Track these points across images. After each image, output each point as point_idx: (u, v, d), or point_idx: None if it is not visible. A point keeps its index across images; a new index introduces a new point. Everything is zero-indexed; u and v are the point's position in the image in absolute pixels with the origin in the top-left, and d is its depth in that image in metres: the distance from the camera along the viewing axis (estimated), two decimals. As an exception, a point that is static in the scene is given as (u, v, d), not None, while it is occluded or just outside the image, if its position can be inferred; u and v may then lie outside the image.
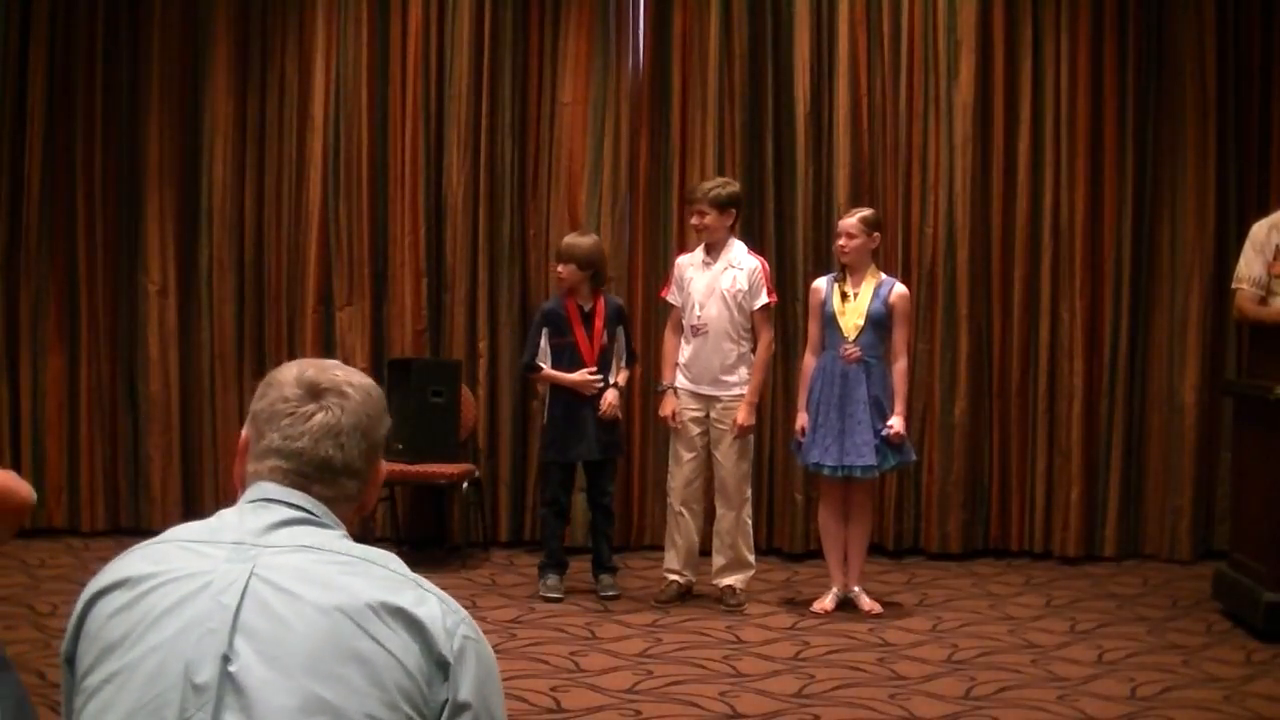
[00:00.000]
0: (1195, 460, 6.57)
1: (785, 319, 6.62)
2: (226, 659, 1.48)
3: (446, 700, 1.54)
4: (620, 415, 5.81)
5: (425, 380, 6.40)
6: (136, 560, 1.60)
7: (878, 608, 5.47)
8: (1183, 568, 6.41)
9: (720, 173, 6.62)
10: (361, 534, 5.49)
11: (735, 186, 5.72)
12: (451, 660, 1.55)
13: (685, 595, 5.66)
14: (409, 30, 6.74)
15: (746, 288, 5.54)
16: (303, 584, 1.53)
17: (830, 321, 5.45)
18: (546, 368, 5.74)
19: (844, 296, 5.44)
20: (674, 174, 6.71)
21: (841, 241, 5.45)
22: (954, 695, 4.29)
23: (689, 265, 5.67)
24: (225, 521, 1.62)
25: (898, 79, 6.63)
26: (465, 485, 6.35)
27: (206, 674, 1.47)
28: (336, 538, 1.63)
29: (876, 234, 5.52)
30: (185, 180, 6.85)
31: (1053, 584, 6.07)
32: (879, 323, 5.41)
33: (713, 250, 5.62)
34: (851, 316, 5.41)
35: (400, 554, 6.03)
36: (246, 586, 1.52)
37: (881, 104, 6.65)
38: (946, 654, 4.82)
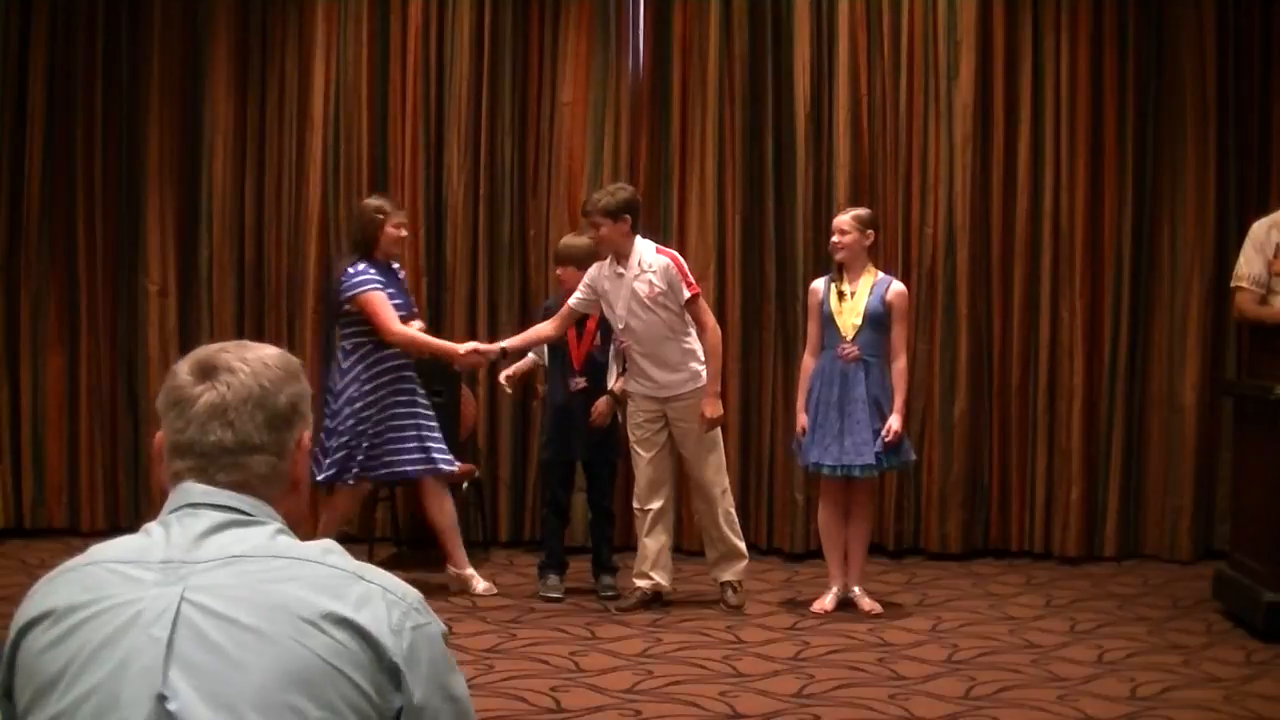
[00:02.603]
0: (1195, 460, 6.57)
1: (785, 319, 6.62)
2: (163, 698, 1.40)
3: (401, 707, 1.48)
4: (607, 422, 5.70)
5: (425, 380, 6.38)
6: (63, 587, 1.52)
7: (878, 608, 5.46)
8: (1183, 568, 6.41)
9: (720, 172, 6.63)
10: (361, 535, 5.49)
11: (626, 192, 5.53)
12: (403, 666, 1.48)
13: (657, 600, 5.56)
14: (409, 30, 6.74)
15: (664, 287, 5.37)
16: (237, 606, 1.44)
17: (828, 321, 5.45)
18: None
19: (841, 296, 5.43)
20: (674, 174, 6.71)
21: (835, 239, 5.45)
22: (954, 695, 4.29)
23: (603, 278, 5.49)
24: (153, 538, 1.53)
25: (898, 79, 6.63)
26: (465, 485, 6.35)
27: (142, 717, 1.39)
28: (269, 536, 1.53)
29: (871, 231, 5.51)
30: (185, 180, 6.85)
31: (1053, 584, 6.07)
32: (877, 321, 5.40)
33: (621, 259, 5.45)
34: (849, 316, 5.40)
35: (400, 554, 6.00)
36: (178, 615, 1.44)
37: (881, 104, 6.64)
38: (946, 654, 4.81)
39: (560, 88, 6.74)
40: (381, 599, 1.50)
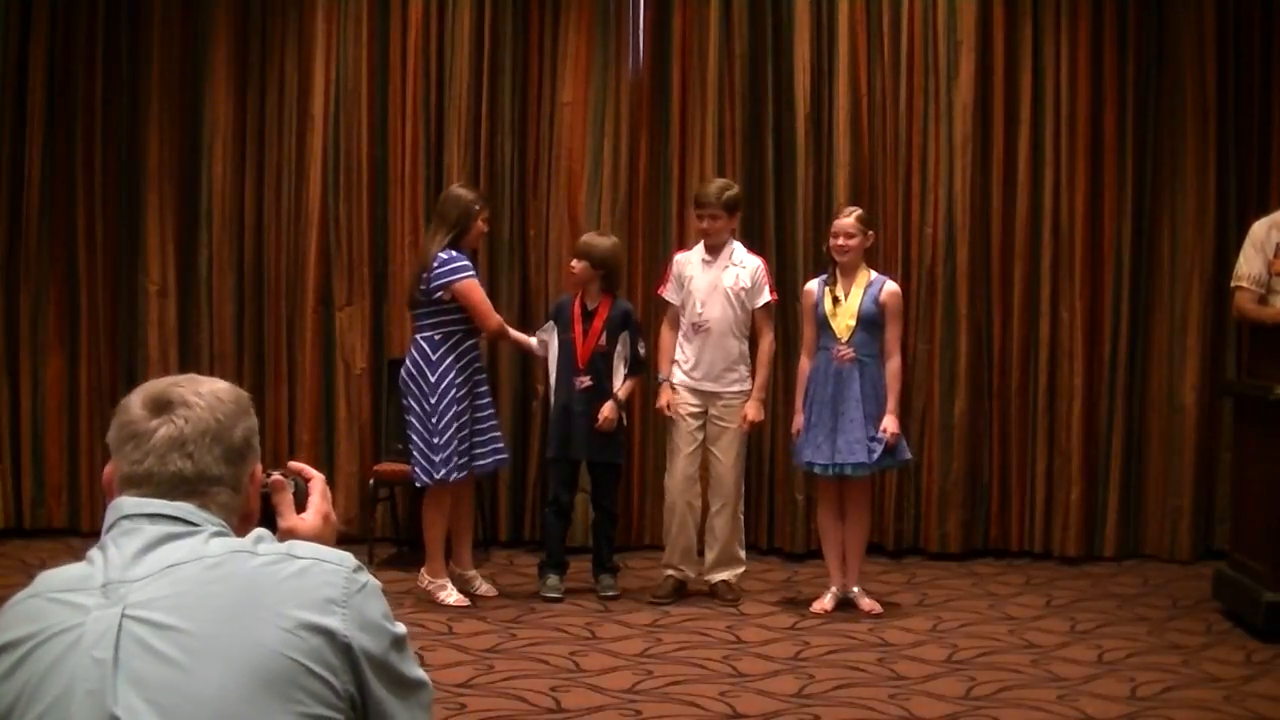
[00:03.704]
0: (1195, 460, 6.56)
1: (785, 319, 6.61)
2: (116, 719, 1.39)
3: (360, 673, 1.49)
4: (613, 427, 5.69)
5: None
6: (11, 623, 1.51)
7: (877, 608, 5.47)
8: (1183, 568, 6.41)
9: (720, 173, 6.62)
10: (363, 535, 5.47)
11: (738, 189, 5.80)
12: (353, 641, 1.49)
13: (682, 591, 5.69)
14: (409, 30, 6.74)
15: (750, 285, 5.60)
16: (180, 614, 1.44)
17: (823, 324, 5.46)
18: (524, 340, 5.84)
19: (835, 300, 5.44)
20: (674, 174, 6.71)
21: (841, 241, 5.45)
22: (954, 695, 4.29)
23: (688, 263, 5.70)
24: (94, 565, 1.52)
25: (898, 79, 6.63)
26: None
27: None
28: (203, 541, 1.53)
29: (871, 232, 5.57)
30: (185, 180, 6.85)
31: (1053, 584, 6.07)
32: (872, 322, 5.41)
33: (714, 250, 5.66)
34: (843, 318, 5.41)
35: (400, 554, 5.98)
36: (120, 633, 1.43)
37: (881, 104, 6.65)
38: (946, 654, 4.82)
39: (560, 88, 6.74)
40: (320, 573, 1.51)
